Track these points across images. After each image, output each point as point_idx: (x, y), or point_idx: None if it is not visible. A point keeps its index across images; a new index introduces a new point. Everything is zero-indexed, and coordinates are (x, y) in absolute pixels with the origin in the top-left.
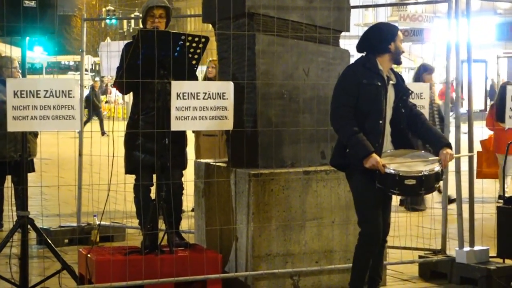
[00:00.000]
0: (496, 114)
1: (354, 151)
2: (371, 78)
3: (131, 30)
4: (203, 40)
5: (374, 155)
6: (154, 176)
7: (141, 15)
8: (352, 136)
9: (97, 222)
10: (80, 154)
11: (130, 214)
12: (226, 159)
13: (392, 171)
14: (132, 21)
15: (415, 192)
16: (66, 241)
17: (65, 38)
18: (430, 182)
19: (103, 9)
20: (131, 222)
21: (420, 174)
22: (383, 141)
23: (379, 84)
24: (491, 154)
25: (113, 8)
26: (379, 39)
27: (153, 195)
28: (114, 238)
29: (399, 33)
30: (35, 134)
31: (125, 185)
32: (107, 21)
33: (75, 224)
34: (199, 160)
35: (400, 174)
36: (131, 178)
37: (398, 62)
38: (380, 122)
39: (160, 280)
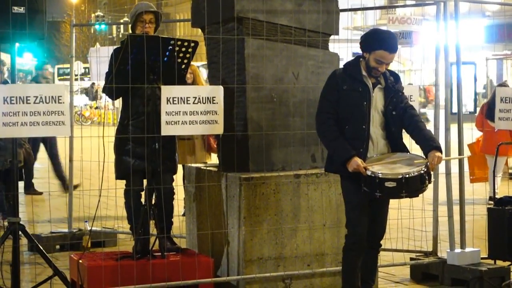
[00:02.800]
0: (487, 113)
1: (336, 155)
2: (351, 84)
3: (120, 36)
4: (192, 44)
5: (356, 158)
6: (145, 181)
7: (129, 21)
8: (332, 142)
9: (88, 228)
10: (71, 160)
11: (121, 219)
12: (217, 163)
13: (372, 174)
14: (122, 26)
15: (396, 194)
16: (58, 247)
17: (54, 44)
18: (413, 185)
19: (92, 15)
20: (122, 227)
21: (399, 177)
22: (367, 146)
23: (361, 90)
24: (481, 157)
25: (102, 14)
26: (362, 42)
27: (144, 200)
28: (106, 244)
29: (381, 52)
30: (19, 145)
31: (116, 190)
32: (96, 26)
33: (66, 230)
34: (189, 164)
35: (380, 176)
36: (122, 183)
37: (370, 74)
38: (364, 127)
39: (152, 285)
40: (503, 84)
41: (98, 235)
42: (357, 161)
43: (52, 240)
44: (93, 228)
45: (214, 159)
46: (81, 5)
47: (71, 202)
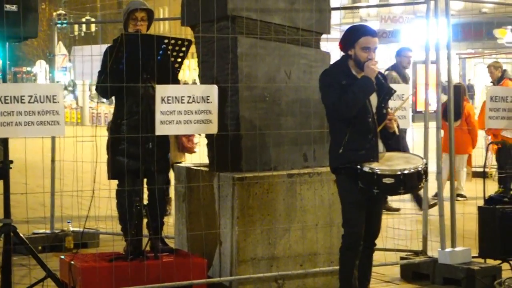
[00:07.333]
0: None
1: (361, 88)
2: (348, 79)
3: (82, 34)
4: (186, 43)
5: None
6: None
7: (122, 18)
8: (352, 92)
9: (71, 228)
10: (53, 160)
11: (103, 220)
12: (207, 163)
13: (370, 170)
14: (84, 25)
15: (394, 191)
16: (40, 248)
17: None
18: (411, 181)
19: (54, 13)
20: (104, 228)
21: (398, 173)
22: (376, 140)
23: None
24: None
25: (64, 12)
26: (342, 44)
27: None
28: (88, 245)
29: (363, 39)
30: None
31: (94, 191)
32: (58, 25)
33: (48, 231)
34: (178, 164)
35: (378, 172)
36: (105, 183)
37: (361, 70)
38: (370, 120)
39: (146, 286)
40: (460, 83)
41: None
42: (367, 64)
43: (34, 241)
44: (75, 229)
45: (189, 158)
46: (41, 3)
47: (53, 202)
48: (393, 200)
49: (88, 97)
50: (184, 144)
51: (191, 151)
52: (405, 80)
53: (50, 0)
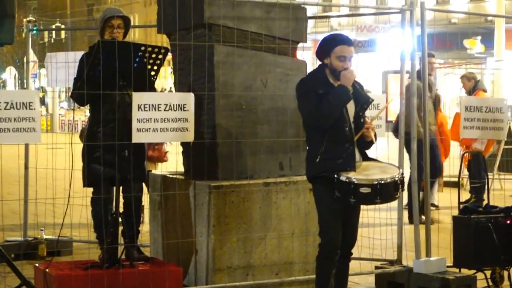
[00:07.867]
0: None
1: (337, 97)
2: (325, 88)
3: (52, 41)
4: (162, 51)
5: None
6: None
7: (98, 25)
8: (327, 102)
9: (44, 236)
10: (26, 167)
11: (76, 227)
12: (183, 171)
13: (347, 179)
14: (53, 32)
15: (371, 200)
16: (13, 256)
17: None
18: (387, 191)
19: (24, 20)
20: (77, 236)
21: (374, 183)
22: (354, 149)
23: None
24: None
25: (34, 19)
26: (318, 53)
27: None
28: (62, 253)
29: (339, 48)
30: None
31: (72, 198)
32: (32, 32)
33: (21, 239)
34: (154, 172)
35: (355, 182)
36: (78, 191)
37: (337, 78)
38: (347, 129)
39: None
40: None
41: (54, 243)
42: (344, 73)
43: (7, 249)
44: (48, 237)
45: (164, 167)
46: None
47: (27, 210)
48: (368, 209)
49: (58, 104)
50: (148, 154)
51: (161, 160)
52: (429, 87)
53: (19, 6)
